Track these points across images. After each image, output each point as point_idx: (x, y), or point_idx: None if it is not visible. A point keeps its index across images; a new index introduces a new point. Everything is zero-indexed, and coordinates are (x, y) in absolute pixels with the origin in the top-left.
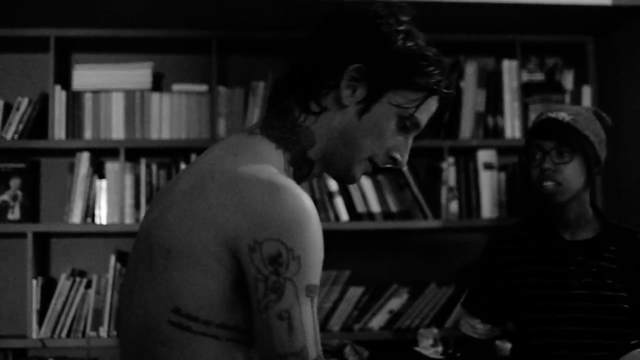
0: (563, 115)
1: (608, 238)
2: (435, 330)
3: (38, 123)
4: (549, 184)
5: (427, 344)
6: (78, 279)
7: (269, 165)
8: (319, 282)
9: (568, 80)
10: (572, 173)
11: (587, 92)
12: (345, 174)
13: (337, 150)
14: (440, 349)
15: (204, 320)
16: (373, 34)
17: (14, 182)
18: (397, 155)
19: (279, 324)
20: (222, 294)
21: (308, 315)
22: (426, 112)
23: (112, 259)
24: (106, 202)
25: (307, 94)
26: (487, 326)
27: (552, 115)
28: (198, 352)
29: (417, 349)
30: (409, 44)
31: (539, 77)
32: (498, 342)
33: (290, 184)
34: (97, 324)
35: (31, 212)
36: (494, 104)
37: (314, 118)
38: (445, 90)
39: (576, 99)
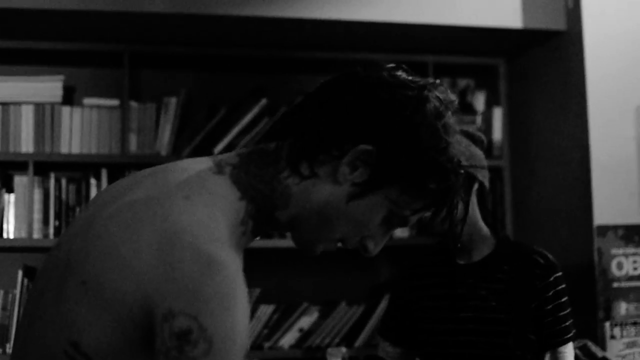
0: None
1: (501, 257)
2: (343, 350)
3: None
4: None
5: None
6: None
7: (219, 225)
8: None
9: (480, 101)
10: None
11: (498, 114)
12: (307, 247)
13: (310, 222)
14: None
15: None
16: (401, 120)
17: None
18: (371, 245)
19: None
20: (123, 348)
21: None
22: (419, 214)
23: (20, 274)
24: (14, 216)
25: (303, 153)
26: (397, 349)
27: None
28: None
29: None
30: (438, 145)
31: None
32: None
33: (229, 262)
34: (3, 340)
35: None
36: None
37: (298, 179)
38: (450, 206)
39: (487, 120)
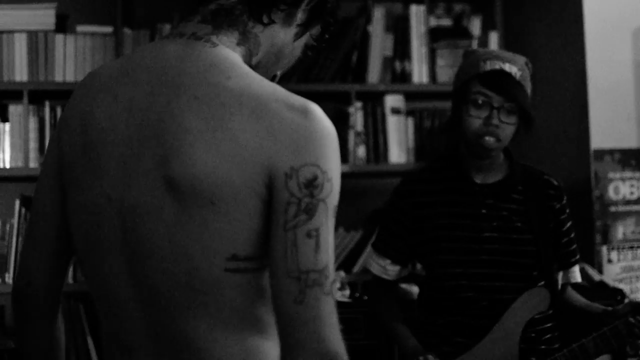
0: (515, 71)
1: (516, 179)
2: (342, 274)
3: None
4: (490, 139)
5: None
6: None
7: (271, 83)
8: None
9: (475, 26)
10: (512, 132)
11: (494, 38)
12: None
13: (268, 64)
14: (347, 292)
15: (252, 257)
16: None
17: None
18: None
19: (306, 241)
20: (260, 227)
21: (332, 236)
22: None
23: (17, 203)
24: (10, 145)
25: (264, 5)
26: (396, 267)
27: (506, 67)
28: (247, 288)
29: None
30: None
31: (446, 22)
32: (404, 285)
33: (315, 106)
34: (2, 270)
35: None
36: (402, 49)
37: (261, 27)
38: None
39: (483, 45)
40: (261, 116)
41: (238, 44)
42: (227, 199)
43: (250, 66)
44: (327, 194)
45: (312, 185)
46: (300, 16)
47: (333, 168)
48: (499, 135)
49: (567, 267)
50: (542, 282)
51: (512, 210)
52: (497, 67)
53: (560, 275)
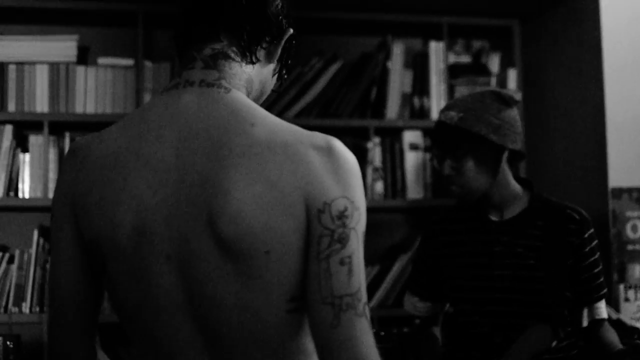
0: (451, 115)
1: (535, 213)
2: None
3: None
4: (453, 187)
5: None
6: (0, 254)
7: (293, 126)
8: None
9: (494, 63)
10: (472, 174)
11: (512, 75)
12: None
13: (256, 101)
14: None
15: (302, 296)
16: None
17: None
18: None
19: (340, 268)
20: (304, 263)
21: (362, 260)
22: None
23: (35, 233)
24: (29, 176)
25: (253, 44)
26: (426, 304)
27: (442, 117)
28: (300, 322)
29: None
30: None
31: (465, 59)
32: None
33: (336, 141)
34: (19, 299)
35: None
36: (421, 85)
37: (251, 67)
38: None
39: (502, 82)
40: (293, 160)
41: (242, 86)
42: (278, 247)
43: None
44: (357, 221)
45: (343, 216)
46: (278, 52)
47: (359, 197)
48: (458, 182)
49: (590, 302)
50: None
51: (527, 247)
52: (438, 119)
53: (585, 311)
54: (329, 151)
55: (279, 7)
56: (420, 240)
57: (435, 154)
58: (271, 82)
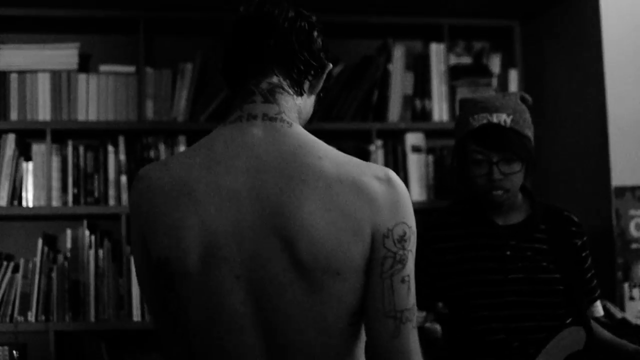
0: (503, 118)
1: (537, 218)
2: None
3: None
4: (498, 192)
5: None
6: (5, 263)
7: (354, 158)
8: None
9: (495, 64)
10: (518, 178)
11: (513, 76)
12: None
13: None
14: None
15: (362, 311)
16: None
17: None
18: None
19: (401, 286)
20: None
21: (414, 277)
22: None
23: (40, 242)
24: (33, 184)
25: (302, 78)
26: (422, 313)
27: (493, 119)
28: (358, 333)
29: None
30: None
31: (466, 60)
32: (427, 325)
33: (393, 173)
34: (24, 308)
35: None
36: (422, 87)
37: (300, 99)
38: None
39: (503, 83)
40: (359, 191)
41: (296, 118)
42: (347, 268)
43: None
44: (413, 244)
45: (403, 239)
46: (320, 85)
47: (413, 222)
48: (505, 186)
49: (590, 302)
50: (570, 319)
51: (536, 250)
52: (484, 121)
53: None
54: (388, 182)
55: (321, 43)
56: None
57: (480, 158)
58: (310, 112)
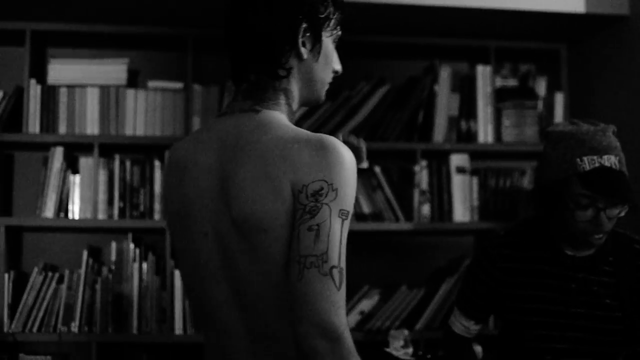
0: (613, 161)
1: (605, 250)
2: (406, 332)
3: (12, 116)
4: (599, 236)
5: (397, 346)
6: (50, 274)
7: (299, 129)
8: (351, 210)
9: (541, 86)
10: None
11: (559, 99)
12: (312, 103)
13: (304, 92)
14: (410, 350)
15: None
16: None
17: None
18: (338, 67)
19: (307, 234)
20: (287, 219)
21: (336, 230)
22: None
23: (85, 254)
24: (79, 197)
25: (273, 65)
26: (478, 326)
27: (605, 163)
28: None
29: (387, 350)
30: None
31: (512, 82)
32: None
33: (331, 138)
34: (68, 319)
35: (4, 206)
36: (467, 109)
37: (286, 80)
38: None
39: (549, 106)
40: (285, 157)
41: (275, 104)
42: (273, 225)
43: (293, 112)
44: (331, 199)
45: (318, 194)
46: (308, 43)
47: (340, 181)
48: (607, 229)
49: None
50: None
51: (602, 284)
52: (596, 165)
53: None
54: (319, 145)
55: (282, 15)
56: (477, 260)
57: (586, 203)
58: (318, 65)
